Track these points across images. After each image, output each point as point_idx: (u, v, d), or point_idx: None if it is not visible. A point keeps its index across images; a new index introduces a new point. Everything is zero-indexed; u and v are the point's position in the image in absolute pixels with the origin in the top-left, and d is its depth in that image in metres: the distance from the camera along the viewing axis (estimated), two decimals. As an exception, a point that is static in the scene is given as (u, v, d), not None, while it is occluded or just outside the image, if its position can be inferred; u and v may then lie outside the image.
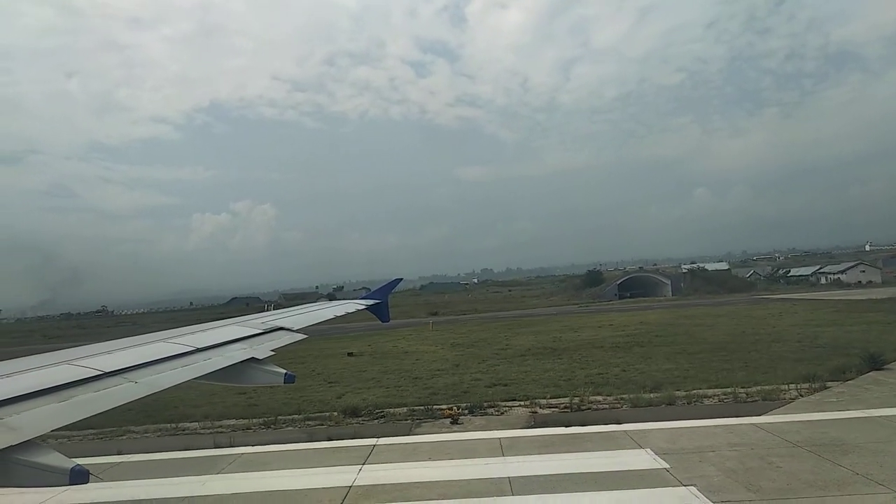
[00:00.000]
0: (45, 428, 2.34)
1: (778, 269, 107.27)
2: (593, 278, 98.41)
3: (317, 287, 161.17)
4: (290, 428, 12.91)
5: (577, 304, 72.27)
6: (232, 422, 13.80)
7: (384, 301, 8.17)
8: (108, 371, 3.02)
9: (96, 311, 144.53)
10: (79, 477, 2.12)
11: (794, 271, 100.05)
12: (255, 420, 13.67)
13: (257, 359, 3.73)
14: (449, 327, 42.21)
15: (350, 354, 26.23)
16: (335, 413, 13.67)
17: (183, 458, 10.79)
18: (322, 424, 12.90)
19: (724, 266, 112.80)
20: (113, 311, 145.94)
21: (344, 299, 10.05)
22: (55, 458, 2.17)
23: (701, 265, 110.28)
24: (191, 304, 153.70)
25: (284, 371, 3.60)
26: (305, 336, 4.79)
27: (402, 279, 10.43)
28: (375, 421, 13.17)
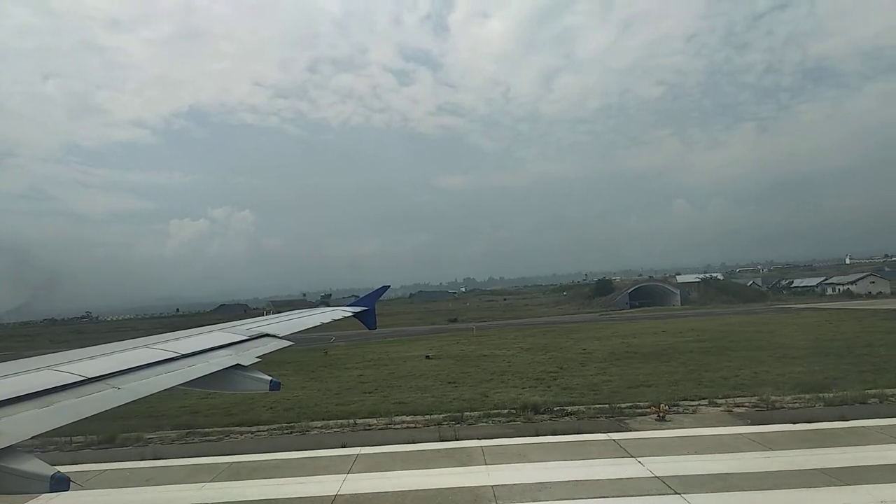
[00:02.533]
0: (27, 434, 2.41)
1: (779, 280, 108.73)
2: (603, 287, 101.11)
3: (304, 294, 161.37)
4: (483, 423, 13.10)
5: (590, 312, 73.36)
6: (408, 418, 14.03)
7: (371, 308, 8.37)
8: (91, 377, 3.11)
9: (81, 317, 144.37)
10: (59, 484, 2.20)
11: (796, 282, 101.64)
12: (433, 416, 13.83)
13: (242, 365, 3.83)
14: (491, 333, 42.59)
15: (428, 357, 27.13)
16: (514, 410, 13.95)
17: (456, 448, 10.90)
18: (512, 420, 13.20)
19: (719, 277, 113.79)
20: (98, 317, 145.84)
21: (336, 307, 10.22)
22: (36, 465, 2.25)
23: (713, 275, 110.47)
24: (177, 310, 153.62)
25: (270, 378, 3.70)
26: (291, 343, 4.91)
27: (389, 286, 10.55)
28: (566, 418, 13.28)
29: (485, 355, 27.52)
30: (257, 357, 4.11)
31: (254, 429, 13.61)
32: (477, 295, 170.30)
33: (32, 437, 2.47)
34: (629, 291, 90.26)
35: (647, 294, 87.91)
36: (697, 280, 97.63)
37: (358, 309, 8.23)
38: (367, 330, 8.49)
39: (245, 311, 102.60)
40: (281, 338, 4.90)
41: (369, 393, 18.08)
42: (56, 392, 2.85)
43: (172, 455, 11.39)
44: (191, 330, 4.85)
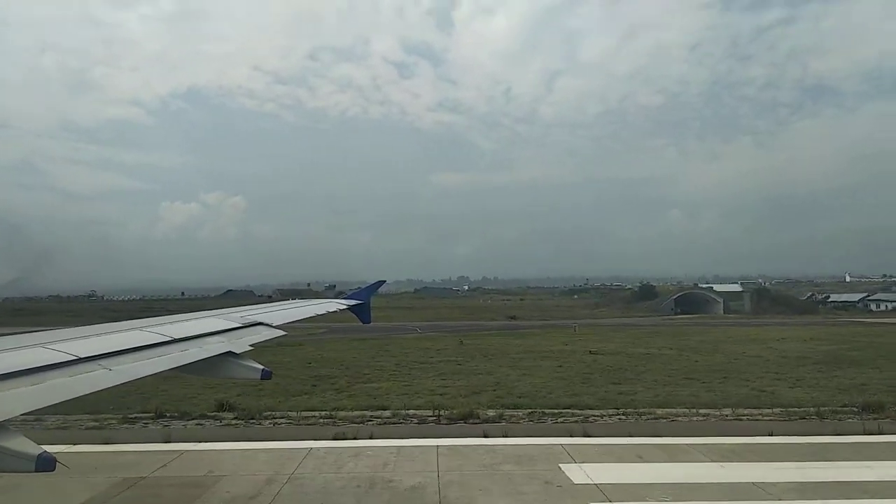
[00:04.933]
0: (16, 411, 2.59)
1: (812, 295, 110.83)
2: (647, 292, 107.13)
3: (308, 284, 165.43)
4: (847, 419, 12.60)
5: (639, 316, 76.10)
6: (743, 410, 13.63)
7: (367, 302, 8.81)
8: (82, 356, 3.31)
9: (88, 295, 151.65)
10: (45, 464, 2.37)
11: (833, 297, 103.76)
12: (772, 410, 13.44)
13: (235, 353, 4.03)
14: (590, 332, 42.92)
15: (592, 353, 28.02)
16: (853, 407, 13.52)
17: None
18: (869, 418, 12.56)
19: (737, 288, 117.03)
20: (104, 297, 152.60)
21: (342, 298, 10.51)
22: (22, 444, 2.42)
23: (766, 282, 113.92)
24: (182, 293, 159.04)
25: (262, 367, 3.92)
26: (284, 333, 5.12)
27: (385, 281, 10.95)
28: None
29: (650, 354, 27.91)
30: (250, 345, 4.31)
31: (587, 413, 13.25)
32: (484, 293, 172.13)
33: (23, 415, 2.65)
34: (674, 298, 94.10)
35: (691, 301, 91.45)
36: (740, 290, 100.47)
37: (353, 302, 8.65)
38: (367, 323, 8.71)
39: (269, 298, 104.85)
40: (275, 327, 5.11)
41: (617, 383, 18.14)
42: (47, 370, 3.04)
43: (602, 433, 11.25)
44: (185, 315, 5.07)
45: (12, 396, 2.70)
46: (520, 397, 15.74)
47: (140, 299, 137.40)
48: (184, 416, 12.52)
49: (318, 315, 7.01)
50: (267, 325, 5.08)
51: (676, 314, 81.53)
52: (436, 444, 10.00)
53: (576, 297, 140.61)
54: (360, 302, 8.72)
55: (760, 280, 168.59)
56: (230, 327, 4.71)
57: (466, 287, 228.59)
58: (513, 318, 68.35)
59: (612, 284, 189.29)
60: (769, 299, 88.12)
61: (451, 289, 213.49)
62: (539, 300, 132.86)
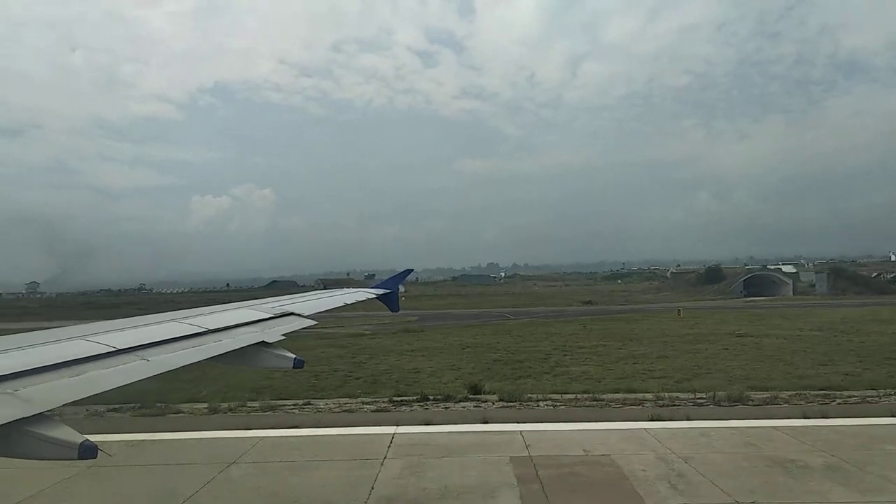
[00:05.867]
0: (58, 401, 2.73)
1: (881, 274, 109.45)
2: (713, 275, 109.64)
3: (348, 273, 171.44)
4: None
5: (710, 299, 77.75)
6: None
7: (395, 291, 9.27)
8: (121, 348, 3.46)
9: (137, 289, 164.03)
10: (87, 452, 2.49)
11: None
12: None
13: (267, 342, 4.18)
14: (693, 315, 44.52)
15: (739, 335, 29.19)
16: None
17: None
18: None
19: (792, 269, 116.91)
20: (152, 290, 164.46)
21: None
22: (65, 432, 2.54)
23: (807, 263, 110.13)
24: (227, 285, 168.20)
25: (294, 356, 4.05)
26: (315, 322, 5.26)
27: (412, 270, 11.52)
28: None
29: (799, 336, 28.15)
30: (282, 335, 4.45)
31: (845, 393, 13.41)
32: (522, 280, 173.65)
33: (63, 405, 2.79)
34: (743, 280, 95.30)
35: (759, 283, 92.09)
36: (794, 271, 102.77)
37: (381, 291, 9.04)
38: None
39: (325, 288, 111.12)
40: (305, 317, 5.28)
41: (823, 365, 18.87)
42: (87, 362, 3.19)
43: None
44: (217, 306, 5.29)
45: (54, 388, 2.84)
46: (746, 379, 15.96)
47: (190, 291, 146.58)
48: (447, 398, 12.97)
49: (347, 304, 7.25)
50: (298, 315, 5.28)
51: (745, 296, 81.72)
52: (772, 424, 9.92)
53: (619, 281, 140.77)
54: (388, 291, 9.13)
55: (803, 261, 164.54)
56: (262, 318, 4.90)
57: (503, 274, 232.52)
58: (589, 302, 71.04)
59: (650, 268, 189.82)
60: (845, 279, 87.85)
61: (489, 275, 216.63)
62: (584, 286, 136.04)
